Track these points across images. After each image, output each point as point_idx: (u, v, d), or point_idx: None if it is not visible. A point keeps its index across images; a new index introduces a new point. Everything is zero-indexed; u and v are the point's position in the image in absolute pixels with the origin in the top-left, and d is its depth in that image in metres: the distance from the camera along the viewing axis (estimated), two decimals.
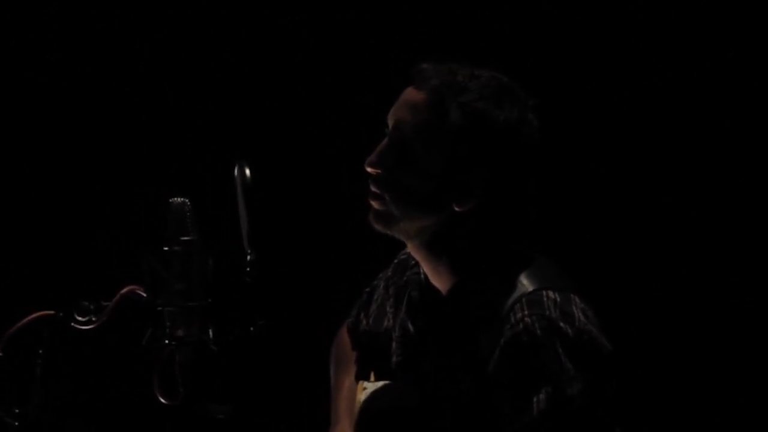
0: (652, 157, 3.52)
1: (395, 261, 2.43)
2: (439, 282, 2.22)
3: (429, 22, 3.57)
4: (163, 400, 2.04)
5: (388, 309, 2.40)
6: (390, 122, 2.19)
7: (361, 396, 2.22)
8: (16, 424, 2.11)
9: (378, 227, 2.20)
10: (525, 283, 2.12)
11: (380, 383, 2.25)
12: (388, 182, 2.16)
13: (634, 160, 3.52)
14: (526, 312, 2.07)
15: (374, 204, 2.19)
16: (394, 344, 2.31)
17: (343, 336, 2.54)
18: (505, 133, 2.13)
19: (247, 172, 2.05)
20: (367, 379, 2.35)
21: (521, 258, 2.18)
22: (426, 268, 2.24)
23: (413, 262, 2.34)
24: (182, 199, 2.05)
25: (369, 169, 2.18)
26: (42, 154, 3.78)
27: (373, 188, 2.18)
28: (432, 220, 2.16)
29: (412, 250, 2.25)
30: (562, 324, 2.05)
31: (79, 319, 2.10)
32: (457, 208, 2.14)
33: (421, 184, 2.14)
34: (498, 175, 2.15)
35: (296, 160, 3.73)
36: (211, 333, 2.03)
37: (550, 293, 2.10)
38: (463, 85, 2.14)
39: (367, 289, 2.50)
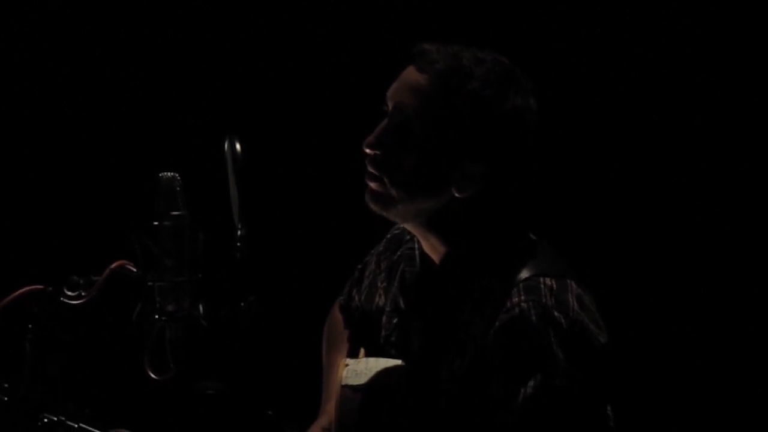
0: (649, 145, 3.52)
1: (388, 236, 2.43)
2: (436, 256, 2.21)
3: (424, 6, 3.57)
4: (153, 376, 2.04)
5: (379, 284, 2.40)
6: (390, 102, 2.16)
7: (343, 372, 2.22)
8: (6, 398, 2.10)
9: (375, 208, 2.19)
10: (522, 268, 2.11)
11: (363, 359, 2.25)
12: (387, 164, 2.14)
13: (632, 147, 3.53)
14: (522, 297, 2.07)
15: (372, 185, 2.17)
16: (384, 319, 2.31)
17: (336, 314, 2.54)
18: (509, 120, 2.12)
19: (238, 146, 2.04)
20: (357, 356, 2.35)
21: (519, 241, 2.17)
22: (423, 242, 2.23)
23: (408, 237, 2.33)
24: (172, 173, 2.04)
25: (367, 150, 2.16)
26: (33, 131, 3.77)
27: (371, 169, 2.16)
28: (430, 204, 2.15)
29: (411, 228, 2.23)
30: (556, 313, 2.05)
31: (69, 293, 2.09)
32: (457, 194, 2.13)
33: (421, 168, 2.12)
34: (500, 161, 2.14)
35: (287, 135, 3.73)
36: (201, 308, 2.03)
37: (547, 280, 2.09)
38: (469, 71, 2.11)
39: (359, 266, 2.50)
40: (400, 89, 2.15)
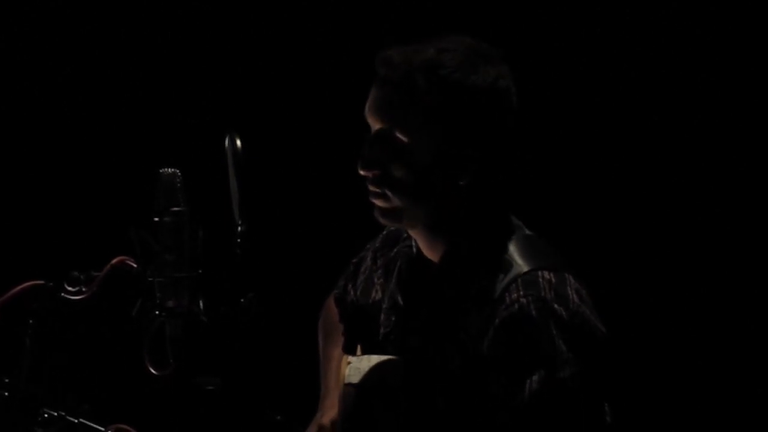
0: (647, 142, 3.52)
1: (384, 232, 2.42)
2: (434, 256, 2.21)
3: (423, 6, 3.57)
4: (153, 371, 2.04)
5: (376, 281, 2.40)
6: (369, 120, 2.16)
7: (346, 370, 2.22)
8: (6, 394, 2.11)
9: (386, 223, 2.20)
10: (520, 263, 2.11)
11: (365, 357, 2.25)
12: (386, 179, 2.13)
13: (630, 144, 3.53)
14: (521, 293, 2.06)
15: (378, 202, 2.16)
16: (382, 316, 2.31)
17: (331, 306, 2.54)
18: (487, 94, 2.11)
19: (238, 142, 2.04)
20: (354, 351, 2.34)
21: (515, 235, 2.17)
22: (422, 243, 2.23)
23: (405, 234, 2.33)
24: (173, 169, 2.04)
25: (363, 173, 2.15)
26: (33, 128, 3.77)
27: (372, 188, 2.15)
28: (438, 201, 2.15)
29: (413, 232, 2.23)
30: (556, 306, 2.05)
31: (70, 289, 2.10)
32: (460, 182, 2.13)
33: (419, 171, 2.12)
34: (487, 137, 2.13)
35: (287, 131, 3.73)
36: (201, 304, 2.03)
37: (546, 273, 2.09)
38: (431, 63, 2.10)
39: (354, 260, 2.50)
40: (374, 105, 2.14)
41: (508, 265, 2.11)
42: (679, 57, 3.46)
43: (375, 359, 2.23)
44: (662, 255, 3.52)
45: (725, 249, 3.48)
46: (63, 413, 2.13)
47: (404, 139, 2.11)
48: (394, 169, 2.12)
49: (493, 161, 2.15)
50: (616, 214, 3.54)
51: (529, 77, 2.20)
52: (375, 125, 2.15)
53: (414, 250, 2.28)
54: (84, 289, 2.09)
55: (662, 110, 3.50)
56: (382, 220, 2.19)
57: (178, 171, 2.04)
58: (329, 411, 2.36)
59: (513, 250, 2.14)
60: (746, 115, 3.45)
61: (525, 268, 2.10)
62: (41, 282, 2.11)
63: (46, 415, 2.12)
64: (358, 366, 2.22)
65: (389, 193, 2.14)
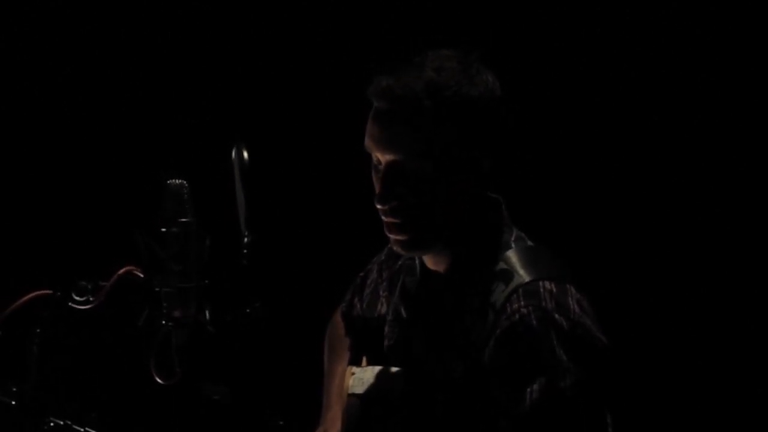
0: (648, 145, 3.52)
1: (389, 245, 2.43)
2: (439, 267, 2.22)
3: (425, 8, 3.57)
4: (159, 381, 2.05)
5: (381, 293, 2.41)
6: (378, 154, 2.14)
7: (350, 381, 2.23)
8: (13, 402, 2.12)
9: (413, 254, 2.21)
10: (521, 273, 2.12)
11: (369, 367, 2.26)
12: (407, 209, 2.12)
13: (631, 147, 3.53)
14: (522, 303, 2.07)
15: (400, 236, 2.14)
16: (386, 328, 2.32)
17: (337, 321, 2.54)
18: (488, 100, 2.12)
19: (245, 153, 2.05)
20: (360, 364, 2.35)
21: (517, 246, 2.18)
22: (428, 256, 2.23)
23: None
24: (180, 180, 2.06)
25: (382, 207, 2.13)
26: (41, 135, 3.79)
27: (391, 220, 2.13)
28: (457, 216, 2.16)
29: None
30: (557, 316, 2.06)
31: (77, 298, 2.10)
32: (470, 190, 2.14)
33: (438, 191, 2.12)
34: (496, 140, 2.14)
35: (293, 142, 3.74)
36: (207, 314, 2.04)
37: (547, 284, 2.10)
38: (436, 85, 2.09)
39: (361, 274, 2.50)
40: (383, 139, 2.11)
41: (510, 275, 2.12)
42: (679, 57, 3.46)
43: (378, 370, 2.24)
44: (665, 265, 3.53)
45: (729, 258, 3.48)
46: (69, 422, 2.14)
47: (420, 165, 2.10)
48: (415, 196, 2.11)
49: (497, 163, 2.16)
50: (618, 223, 3.54)
51: (528, 79, 2.20)
52: (385, 157, 2.12)
53: (417, 262, 2.28)
54: (91, 299, 2.10)
55: (662, 111, 3.50)
56: (407, 253, 2.19)
57: (185, 182, 2.06)
58: (331, 427, 2.37)
59: (515, 260, 2.14)
60: (746, 116, 3.45)
61: (526, 279, 2.11)
62: (49, 291, 2.12)
63: (52, 424, 2.13)
64: (361, 377, 2.23)
65: (413, 222, 2.12)
